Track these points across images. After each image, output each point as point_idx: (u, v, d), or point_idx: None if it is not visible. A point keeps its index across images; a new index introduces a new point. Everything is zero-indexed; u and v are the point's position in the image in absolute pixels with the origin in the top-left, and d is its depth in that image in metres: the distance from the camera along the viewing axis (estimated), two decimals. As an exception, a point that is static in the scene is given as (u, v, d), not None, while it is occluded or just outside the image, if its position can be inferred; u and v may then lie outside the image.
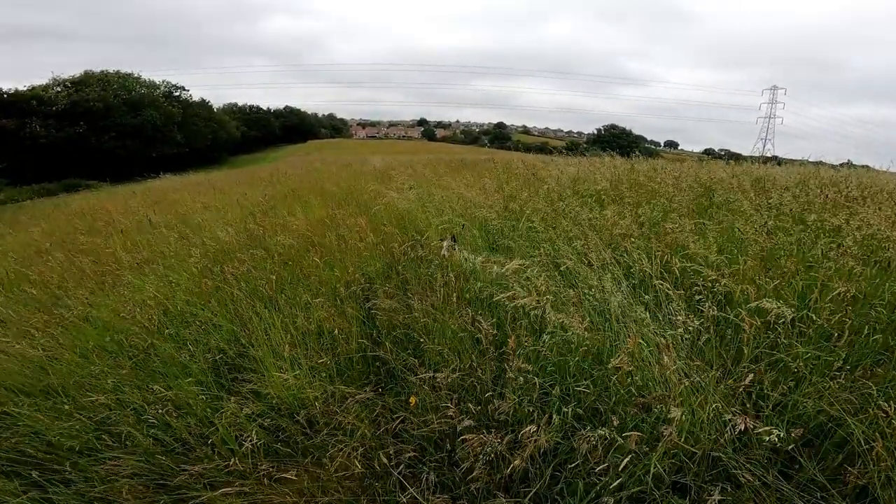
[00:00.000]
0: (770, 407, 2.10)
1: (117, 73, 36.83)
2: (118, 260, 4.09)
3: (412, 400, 2.20)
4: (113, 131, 32.37)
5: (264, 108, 61.33)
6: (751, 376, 2.03)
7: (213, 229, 4.56)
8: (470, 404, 2.01)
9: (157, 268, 3.71)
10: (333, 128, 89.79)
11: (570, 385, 2.09)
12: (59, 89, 33.28)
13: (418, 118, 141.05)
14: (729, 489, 1.82)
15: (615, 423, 1.92)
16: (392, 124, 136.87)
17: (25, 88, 31.39)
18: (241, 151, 44.06)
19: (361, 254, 3.55)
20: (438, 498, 1.75)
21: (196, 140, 37.72)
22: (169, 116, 36.22)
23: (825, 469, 1.85)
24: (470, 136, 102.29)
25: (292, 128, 63.42)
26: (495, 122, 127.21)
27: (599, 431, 1.86)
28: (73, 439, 2.08)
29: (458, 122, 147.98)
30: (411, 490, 1.74)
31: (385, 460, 1.80)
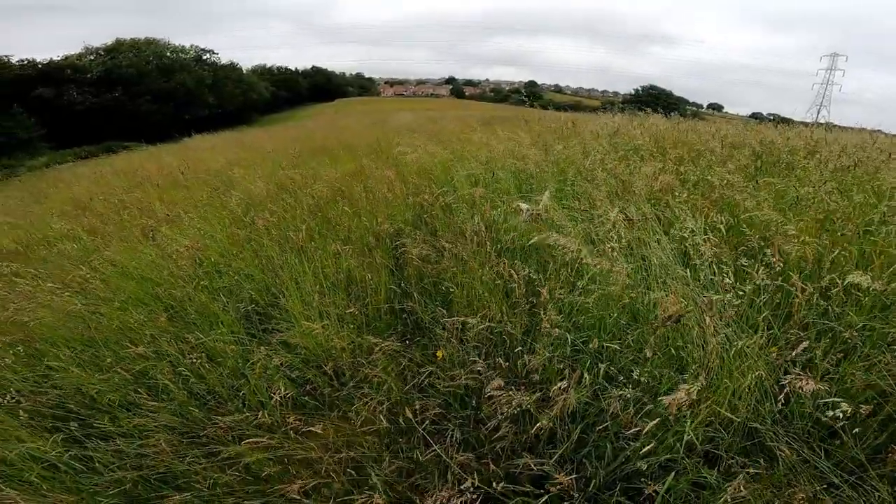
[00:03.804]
0: (818, 377, 1.96)
1: (147, 39, 37.12)
2: (155, 214, 4.19)
3: (439, 354, 2.17)
4: (147, 96, 33.07)
5: (292, 68, 61.31)
6: (804, 344, 1.88)
7: (245, 183, 4.57)
8: (499, 359, 1.95)
9: (192, 220, 3.76)
10: (361, 86, 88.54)
11: (603, 342, 1.99)
12: (92, 58, 34.02)
13: (447, 76, 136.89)
14: (761, 462, 1.73)
15: (647, 382, 1.85)
16: (420, 82, 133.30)
17: (61, 58, 32.28)
18: (270, 111, 44.40)
19: (390, 204, 3.49)
20: (462, 456, 1.70)
21: (227, 102, 38.22)
22: (200, 80, 36.63)
23: (866, 447, 1.72)
24: (500, 94, 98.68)
25: (320, 87, 63.13)
26: (526, 80, 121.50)
27: (631, 392, 1.78)
28: (112, 392, 2.13)
29: (487, 80, 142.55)
30: (435, 447, 1.70)
31: (410, 415, 1.76)
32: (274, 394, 1.90)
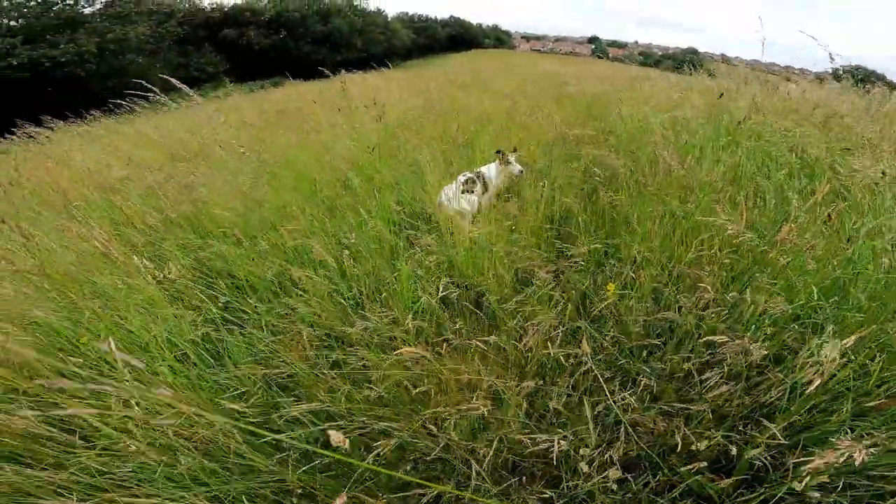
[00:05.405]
0: None
1: (309, -16, 40.38)
2: (318, 121, 4.39)
3: (610, 287, 1.83)
4: (308, 38, 36.40)
5: (432, 16, 62.38)
6: None
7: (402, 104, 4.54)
8: (709, 292, 1.51)
9: (347, 129, 3.80)
10: (497, 39, 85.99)
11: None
12: (266, 1, 38.23)
13: (589, 35, 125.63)
14: None
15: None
16: (558, 39, 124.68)
17: (243, 2, 37.05)
18: (408, 57, 46.07)
19: (545, 134, 3.08)
20: (647, 414, 1.35)
21: (372, 46, 40.43)
22: (352, 25, 39.16)
23: None
24: (649, 58, 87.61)
25: (457, 37, 63.71)
26: (685, 46, 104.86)
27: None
28: (264, 268, 2.04)
29: (636, 42, 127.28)
30: (609, 399, 1.30)
31: (587, 349, 1.35)
32: (427, 294, 1.69)
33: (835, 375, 1.28)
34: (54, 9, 16.26)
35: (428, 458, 1.36)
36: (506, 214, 2.14)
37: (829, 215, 1.59)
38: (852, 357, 1.30)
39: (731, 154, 2.70)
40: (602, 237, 2.11)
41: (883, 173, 1.74)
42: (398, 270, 1.91)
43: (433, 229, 2.23)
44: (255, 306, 1.90)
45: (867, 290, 1.50)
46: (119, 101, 5.46)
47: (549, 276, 1.69)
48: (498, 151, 2.68)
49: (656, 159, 2.09)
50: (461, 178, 2.53)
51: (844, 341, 1.10)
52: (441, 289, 1.65)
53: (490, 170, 2.71)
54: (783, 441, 1.17)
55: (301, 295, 1.88)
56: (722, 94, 3.06)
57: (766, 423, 1.21)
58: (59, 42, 15.04)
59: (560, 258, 1.89)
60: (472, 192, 2.52)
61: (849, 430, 1.25)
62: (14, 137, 6.78)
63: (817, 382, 1.06)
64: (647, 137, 2.85)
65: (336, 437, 0.78)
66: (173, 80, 2.33)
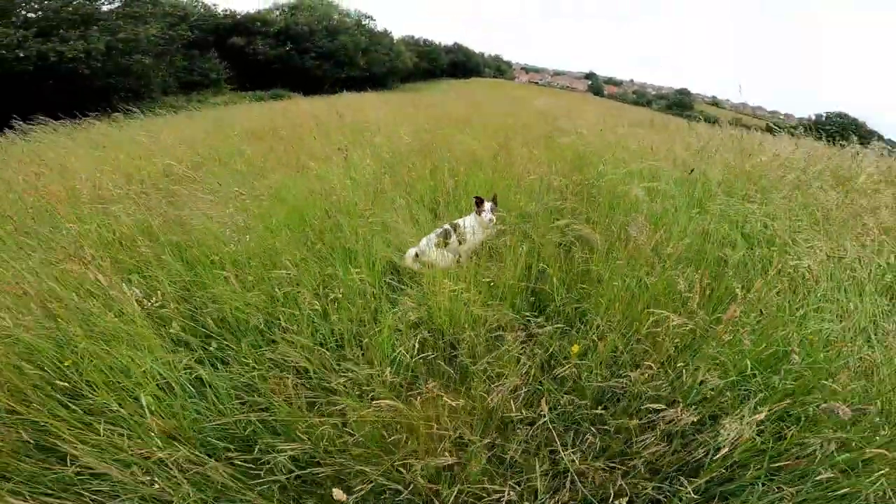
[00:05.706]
0: None
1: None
2: (311, 151, 4.53)
3: (575, 348, 1.96)
4: (313, 52, 36.88)
5: (436, 42, 63.92)
6: None
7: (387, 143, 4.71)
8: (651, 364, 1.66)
9: (338, 165, 3.93)
10: (497, 69, 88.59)
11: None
12: (277, 13, 38.77)
13: (587, 71, 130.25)
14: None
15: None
16: (557, 73, 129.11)
17: (255, 12, 37.51)
18: (409, 80, 47.06)
19: (533, 184, 3.28)
20: (594, 464, 1.49)
21: (375, 66, 41.07)
22: (357, 44, 39.83)
23: None
24: (642, 97, 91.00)
25: (459, 64, 65.42)
26: (678, 87, 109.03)
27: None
28: (252, 314, 2.08)
29: (631, 81, 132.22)
30: (562, 453, 1.46)
31: (545, 408, 1.52)
32: (402, 348, 1.82)
33: (756, 436, 1.44)
34: (73, 3, 16.28)
35: (398, 499, 1.46)
36: (483, 273, 2.29)
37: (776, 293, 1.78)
38: (767, 426, 1.51)
39: (701, 221, 2.91)
40: (575, 297, 2.26)
41: (809, 267, 1.94)
42: (380, 323, 2.03)
43: (416, 282, 2.35)
44: (243, 350, 1.96)
45: (792, 367, 1.68)
46: (115, 104, 5.49)
47: (520, 337, 1.83)
48: (476, 198, 2.71)
49: (629, 233, 2.26)
50: (435, 232, 2.58)
51: (757, 416, 1.27)
52: (418, 346, 1.77)
53: (469, 220, 2.73)
54: (694, 496, 1.35)
55: (286, 339, 1.94)
56: (693, 170, 3.30)
57: (685, 479, 1.38)
58: (69, 38, 15.03)
59: (531, 323, 2.04)
60: (447, 244, 2.56)
61: (760, 485, 1.42)
62: (9, 134, 6.80)
63: (725, 450, 1.25)
64: (625, 201, 3.06)
65: (338, 494, 0.88)
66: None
